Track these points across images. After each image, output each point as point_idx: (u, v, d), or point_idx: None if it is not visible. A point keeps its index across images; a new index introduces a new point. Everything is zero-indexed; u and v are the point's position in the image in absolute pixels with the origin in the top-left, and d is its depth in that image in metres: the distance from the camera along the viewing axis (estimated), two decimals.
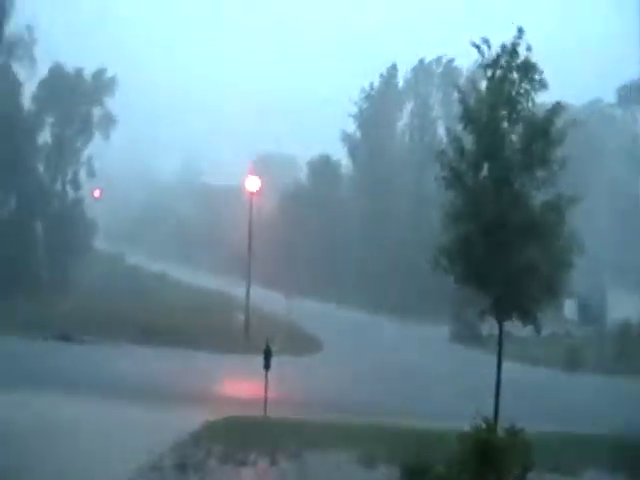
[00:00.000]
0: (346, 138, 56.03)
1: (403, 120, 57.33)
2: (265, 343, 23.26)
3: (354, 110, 56.09)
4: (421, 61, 55.86)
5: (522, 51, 19.46)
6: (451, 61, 53.22)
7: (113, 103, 47.37)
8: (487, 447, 8.62)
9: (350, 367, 29.97)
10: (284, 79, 59.60)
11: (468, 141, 20.39)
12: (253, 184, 38.57)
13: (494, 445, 8.68)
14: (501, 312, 19.76)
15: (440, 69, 55.19)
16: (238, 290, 40.18)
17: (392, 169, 53.71)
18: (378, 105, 55.71)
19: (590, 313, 44.53)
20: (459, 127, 20.88)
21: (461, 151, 20.02)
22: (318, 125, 53.68)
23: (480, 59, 19.98)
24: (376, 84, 56.97)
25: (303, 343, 35.36)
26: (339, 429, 19.27)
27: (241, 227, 39.29)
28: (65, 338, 30.94)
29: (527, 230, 19.22)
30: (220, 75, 60.64)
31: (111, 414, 19.41)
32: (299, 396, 24.35)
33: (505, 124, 19.73)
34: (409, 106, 56.95)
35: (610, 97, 53.76)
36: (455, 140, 20.33)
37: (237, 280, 41.23)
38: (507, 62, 19.36)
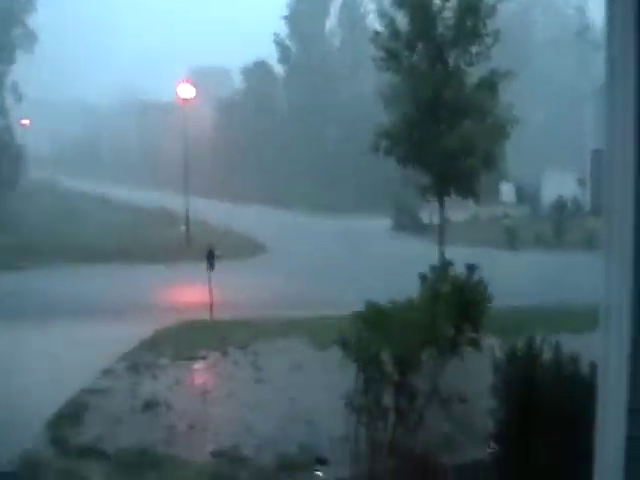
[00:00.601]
0: (278, 41, 55.07)
1: (332, 18, 56.43)
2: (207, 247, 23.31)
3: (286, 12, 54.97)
4: None
5: None
6: None
7: (36, 20, 45.33)
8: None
9: (291, 266, 30.06)
10: None
11: (401, 23, 20.49)
12: (186, 91, 38.00)
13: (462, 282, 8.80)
14: (442, 189, 20.23)
15: None
16: (178, 204, 39.78)
17: (324, 67, 53.32)
18: (306, 4, 54.78)
19: (526, 194, 45.46)
20: (391, 10, 20.96)
21: (395, 33, 20.12)
22: (252, 33, 52.44)
23: None
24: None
25: (245, 247, 35.35)
26: (284, 322, 19.59)
27: (179, 141, 38.86)
28: None
29: (462, 106, 19.60)
30: None
31: (60, 334, 19.13)
32: (241, 297, 24.39)
33: (438, 0, 19.88)
34: (338, 3, 56.03)
35: None
36: (389, 22, 20.39)
37: (176, 194, 40.79)
38: None
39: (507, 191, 46.46)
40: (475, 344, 8.03)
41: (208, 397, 13.57)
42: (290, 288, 24.95)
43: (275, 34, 53.80)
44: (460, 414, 8.77)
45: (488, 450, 7.66)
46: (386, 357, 7.65)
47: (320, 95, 51.36)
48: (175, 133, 39.91)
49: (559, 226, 34.55)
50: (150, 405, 12.56)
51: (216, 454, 10.11)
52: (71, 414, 12.01)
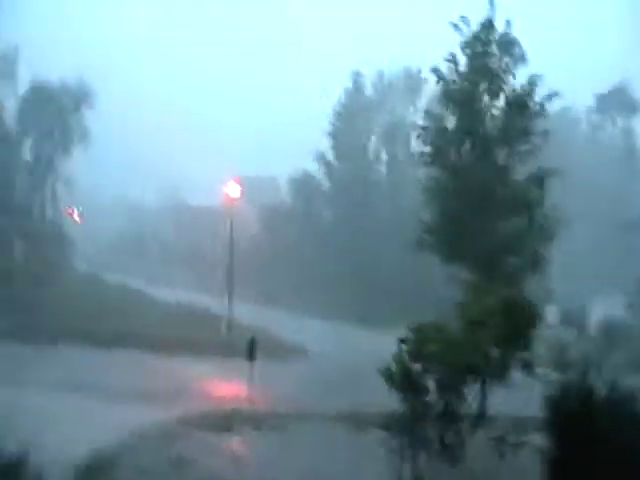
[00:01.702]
0: (320, 157, 55.85)
1: (375, 135, 57.15)
2: (249, 340, 23.15)
3: (328, 128, 55.89)
4: (380, 73, 55.60)
5: (501, 26, 19.83)
6: (419, 72, 52.72)
7: (91, 116, 46.94)
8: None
9: (326, 372, 29.72)
10: (256, 100, 59.15)
11: (448, 121, 20.62)
12: (233, 191, 38.35)
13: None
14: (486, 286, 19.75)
15: (408, 81, 55.07)
16: (220, 305, 39.87)
17: (367, 182, 53.89)
18: (348, 122, 55.68)
19: (571, 317, 44.64)
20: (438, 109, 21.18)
21: (442, 129, 20.21)
22: (295, 144, 53.51)
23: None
24: (342, 99, 56.51)
25: (282, 350, 35.17)
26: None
27: (222, 245, 39.19)
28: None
29: (510, 202, 19.39)
30: (201, 94, 60.31)
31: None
32: (275, 394, 24.13)
33: (486, 98, 19.97)
34: (380, 119, 56.83)
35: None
36: (435, 119, 20.52)
37: (219, 296, 40.90)
38: (485, 36, 19.63)
39: (552, 313, 45.76)
40: (527, 366, 7.48)
41: None
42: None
43: (318, 152, 54.55)
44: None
45: None
46: (430, 383, 7.19)
47: (362, 208, 51.71)
48: (220, 235, 40.23)
49: (607, 345, 33.67)
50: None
51: None
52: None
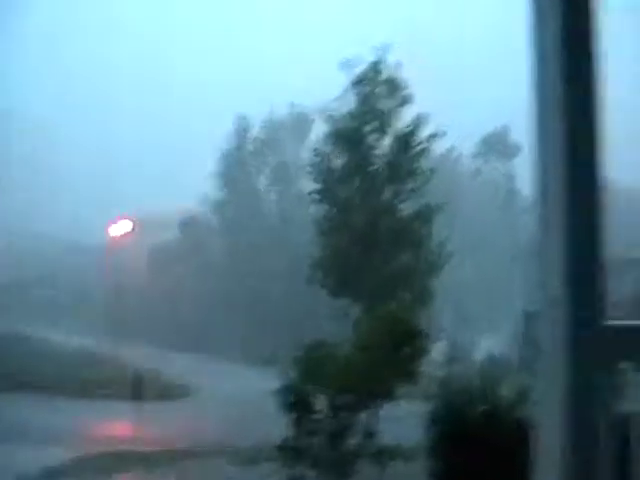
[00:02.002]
0: (206, 200, 55.77)
1: (264, 175, 57.42)
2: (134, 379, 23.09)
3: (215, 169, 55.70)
4: (271, 114, 55.97)
5: (390, 68, 20.48)
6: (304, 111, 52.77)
7: None
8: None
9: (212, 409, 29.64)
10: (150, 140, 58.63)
11: (337, 159, 21.11)
12: (124, 227, 38.09)
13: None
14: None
15: (297, 121, 55.66)
16: (107, 347, 39.22)
17: (260, 224, 54.15)
18: (236, 165, 55.84)
19: (456, 353, 45.70)
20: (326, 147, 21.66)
21: (330, 168, 20.66)
22: (185, 185, 53.33)
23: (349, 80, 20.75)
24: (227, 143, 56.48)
25: (172, 391, 35.00)
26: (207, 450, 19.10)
27: (110, 282, 38.68)
28: None
29: (398, 237, 19.91)
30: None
31: None
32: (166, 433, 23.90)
33: (373, 137, 20.55)
34: (269, 160, 57.22)
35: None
36: (324, 158, 20.96)
37: (106, 337, 40.17)
38: (372, 78, 20.24)
39: (437, 349, 46.68)
40: (411, 377, 7.72)
41: None
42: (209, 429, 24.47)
43: (204, 194, 54.38)
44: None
45: None
46: (320, 402, 7.35)
47: (253, 247, 51.88)
48: (109, 273, 39.66)
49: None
50: None
51: None
52: None
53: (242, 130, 55.41)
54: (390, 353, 7.69)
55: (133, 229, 40.14)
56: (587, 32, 2.34)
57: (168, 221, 59.23)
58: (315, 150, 22.46)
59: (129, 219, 39.86)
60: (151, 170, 57.13)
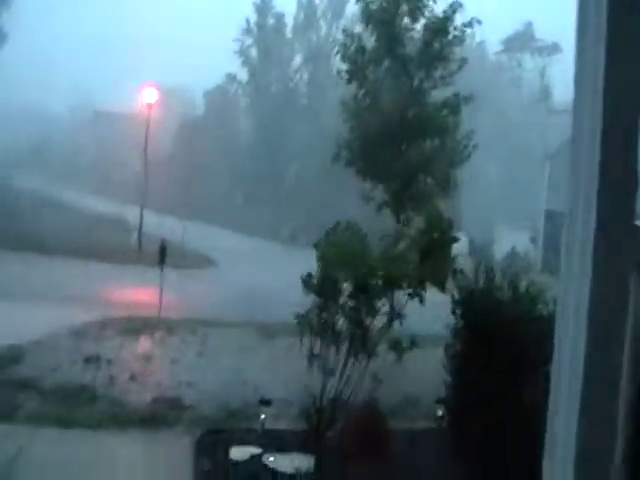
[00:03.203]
0: (232, 79, 55.10)
1: (296, 58, 56.62)
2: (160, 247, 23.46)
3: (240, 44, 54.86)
4: None
5: None
6: None
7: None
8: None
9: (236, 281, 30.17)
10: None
11: (367, 40, 20.79)
12: (150, 96, 37.68)
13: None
14: (398, 205, 20.29)
15: (333, 2, 54.52)
16: (132, 214, 39.70)
17: (287, 101, 53.71)
18: (263, 43, 54.92)
19: (477, 248, 45.92)
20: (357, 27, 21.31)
21: (361, 48, 20.34)
22: (215, 58, 52.50)
23: None
24: (253, 17, 55.45)
25: (196, 261, 35.63)
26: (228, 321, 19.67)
27: (139, 150, 38.73)
28: None
29: (425, 123, 19.82)
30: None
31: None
32: (189, 302, 24.50)
33: (406, 20, 20.16)
34: (303, 41, 56.30)
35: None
36: (354, 38, 20.60)
37: (132, 205, 40.65)
38: None
39: (460, 242, 46.76)
40: (441, 279, 7.88)
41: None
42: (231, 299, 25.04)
43: (228, 75, 53.58)
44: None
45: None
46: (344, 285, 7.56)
47: (281, 126, 51.61)
48: (136, 142, 39.70)
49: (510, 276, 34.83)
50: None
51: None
52: None
53: (266, 5, 54.56)
54: (424, 254, 7.80)
55: (159, 98, 39.78)
56: None
57: (194, 94, 58.96)
58: (345, 30, 22.09)
59: (155, 87, 39.42)
60: (174, 42, 56.23)
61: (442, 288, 7.76)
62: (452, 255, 8.51)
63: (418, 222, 8.17)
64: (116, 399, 12.46)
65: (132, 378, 13.51)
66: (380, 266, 7.55)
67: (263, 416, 8.03)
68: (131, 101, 44.91)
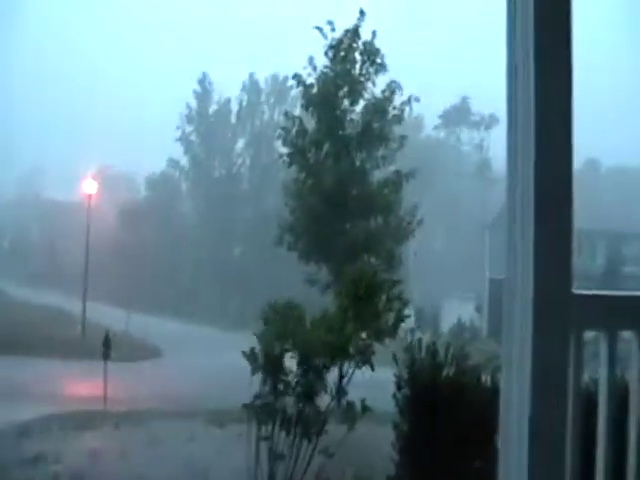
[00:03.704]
0: (174, 165, 55.52)
1: (239, 143, 57.27)
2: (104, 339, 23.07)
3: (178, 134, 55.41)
4: (251, 77, 55.76)
5: (366, 35, 20.53)
6: (285, 79, 52.71)
7: None
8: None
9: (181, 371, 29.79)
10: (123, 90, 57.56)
11: (309, 123, 21.12)
12: (90, 187, 37.94)
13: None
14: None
15: (274, 88, 55.50)
16: (75, 305, 39.14)
17: (229, 186, 54.08)
18: (205, 129, 55.60)
19: (425, 321, 46.17)
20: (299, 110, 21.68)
21: (302, 131, 20.65)
22: (156, 144, 52.95)
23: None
24: (194, 104, 56.20)
25: (140, 351, 35.11)
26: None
27: (80, 241, 38.48)
28: None
29: (367, 203, 20.06)
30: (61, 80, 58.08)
31: None
32: (133, 394, 24.01)
33: (346, 102, 20.57)
34: (246, 126, 57.06)
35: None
36: (296, 121, 20.94)
37: (74, 296, 40.12)
38: (349, 42, 20.26)
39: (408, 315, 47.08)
40: (379, 334, 7.80)
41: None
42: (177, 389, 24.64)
43: (170, 160, 53.88)
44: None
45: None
46: (291, 362, 7.48)
47: (224, 210, 51.82)
48: (78, 231, 39.46)
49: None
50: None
51: None
52: None
53: (207, 92, 55.41)
54: (356, 308, 7.78)
55: (100, 187, 39.97)
56: (560, 14, 2.42)
57: (136, 182, 59.10)
58: (286, 113, 22.46)
59: (98, 176, 39.75)
60: (118, 130, 56.46)
61: (377, 338, 7.74)
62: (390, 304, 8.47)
63: (347, 286, 8.16)
64: None
65: (78, 475, 13.06)
66: (318, 337, 7.51)
67: None
68: (74, 190, 44.92)
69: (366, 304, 7.84)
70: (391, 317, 7.99)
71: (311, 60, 20.61)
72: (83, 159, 46.90)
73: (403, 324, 9.07)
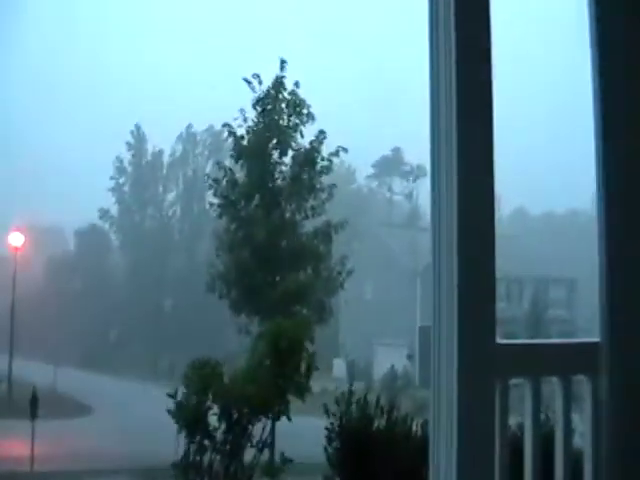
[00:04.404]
0: (105, 215, 54.79)
1: (171, 193, 56.99)
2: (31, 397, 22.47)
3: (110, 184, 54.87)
4: (188, 129, 55.81)
5: (291, 86, 20.74)
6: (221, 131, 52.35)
7: None
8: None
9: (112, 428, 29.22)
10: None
11: (239, 174, 21.19)
12: (17, 240, 37.23)
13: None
14: None
15: (210, 139, 55.52)
16: (1, 360, 38.09)
17: (160, 237, 53.61)
18: (138, 177, 55.21)
19: (357, 369, 46.11)
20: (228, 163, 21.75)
21: (233, 182, 20.70)
22: (85, 194, 52.18)
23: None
24: (127, 156, 55.78)
25: (69, 408, 34.34)
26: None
27: (5, 295, 37.56)
28: None
29: (298, 254, 20.11)
30: None
31: None
32: (61, 452, 23.48)
33: (275, 154, 20.71)
34: (178, 174, 56.89)
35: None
36: (227, 172, 21.00)
37: (0, 352, 39.03)
38: (275, 94, 20.43)
39: (338, 365, 47.02)
40: (300, 391, 7.73)
41: None
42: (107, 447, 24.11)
43: (100, 209, 53.26)
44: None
45: None
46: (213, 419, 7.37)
47: (154, 262, 51.29)
48: (3, 284, 38.52)
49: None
50: None
51: None
52: None
53: (139, 142, 55.14)
54: (276, 368, 7.73)
55: (27, 241, 39.28)
56: (481, 66, 2.49)
57: (64, 233, 58.10)
58: (218, 164, 22.52)
59: (24, 228, 39.07)
60: (47, 184, 55.60)
61: (301, 396, 7.67)
62: (311, 361, 8.43)
63: (266, 337, 8.10)
64: None
65: None
66: (238, 391, 7.46)
67: None
68: (0, 243, 43.98)
69: (286, 358, 7.79)
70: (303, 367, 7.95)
71: (242, 111, 20.75)
72: (9, 211, 46.11)
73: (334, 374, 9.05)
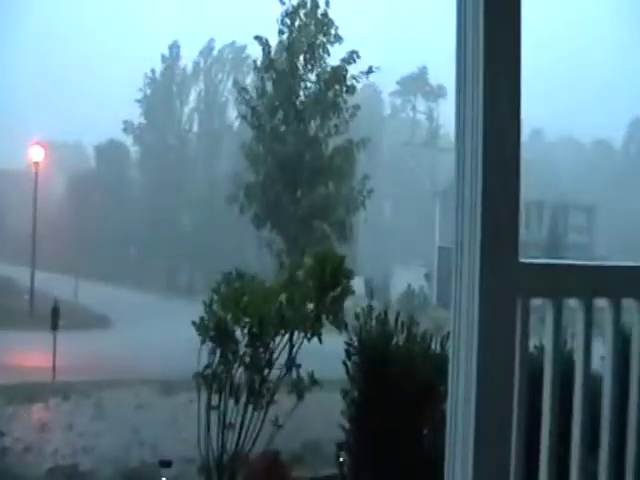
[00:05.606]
0: (129, 127, 54.76)
1: (190, 105, 56.78)
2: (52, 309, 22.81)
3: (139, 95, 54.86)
4: (210, 43, 55.27)
5: (322, 5, 20.57)
6: (244, 48, 52.42)
7: None
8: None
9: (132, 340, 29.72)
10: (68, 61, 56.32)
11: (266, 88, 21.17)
12: (37, 154, 37.19)
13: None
14: (295, 252, 20.38)
15: (231, 55, 54.99)
16: (22, 274, 38.59)
17: (180, 152, 53.62)
18: (162, 91, 54.95)
19: (375, 287, 46.51)
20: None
21: (262, 92, 20.70)
22: (105, 110, 51.99)
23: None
24: (159, 68, 55.55)
25: (89, 320, 34.90)
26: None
27: (27, 209, 37.82)
28: None
29: (320, 171, 20.14)
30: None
31: None
32: (82, 363, 23.90)
33: (302, 71, 20.62)
34: (197, 89, 56.58)
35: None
36: (252, 88, 20.99)
37: (21, 264, 39.55)
38: (305, 12, 20.29)
39: (357, 284, 47.34)
40: (338, 319, 7.81)
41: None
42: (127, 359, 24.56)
43: (125, 121, 53.30)
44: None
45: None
46: (240, 333, 7.45)
47: (174, 178, 51.39)
48: (24, 200, 38.79)
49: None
50: None
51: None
52: None
53: (173, 57, 54.79)
54: (318, 292, 7.74)
55: (47, 155, 39.29)
56: None
57: (84, 149, 58.16)
58: (238, 81, 22.40)
59: (44, 143, 38.99)
60: (65, 94, 55.35)
61: (340, 327, 7.74)
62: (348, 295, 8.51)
63: (309, 263, 8.09)
64: (9, 472, 11.88)
65: (26, 449, 12.92)
66: (273, 310, 7.51)
67: (164, 479, 7.78)
68: (20, 158, 44.02)
69: (328, 288, 7.80)
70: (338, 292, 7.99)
71: (278, 22, 20.60)
72: (30, 128, 46.11)
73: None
